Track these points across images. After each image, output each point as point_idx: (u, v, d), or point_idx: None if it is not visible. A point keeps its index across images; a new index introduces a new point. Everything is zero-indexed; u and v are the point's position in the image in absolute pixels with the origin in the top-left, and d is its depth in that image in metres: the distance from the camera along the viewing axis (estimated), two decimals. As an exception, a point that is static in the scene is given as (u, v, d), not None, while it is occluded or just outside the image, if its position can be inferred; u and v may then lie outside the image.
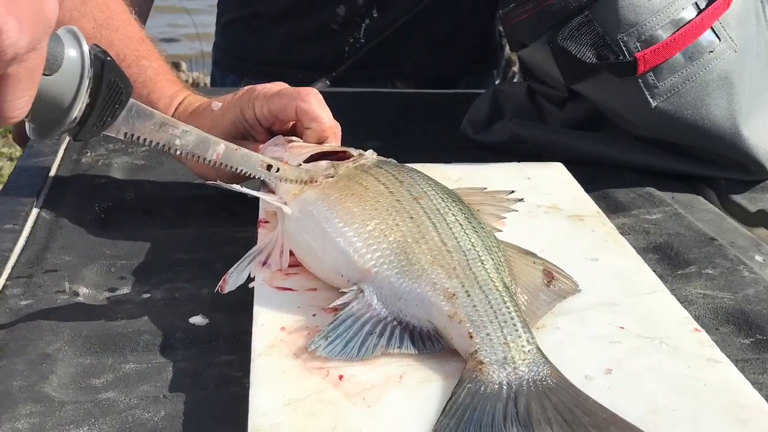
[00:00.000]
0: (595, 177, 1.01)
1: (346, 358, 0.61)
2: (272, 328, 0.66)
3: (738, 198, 1.04)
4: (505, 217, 0.81)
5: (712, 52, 1.02)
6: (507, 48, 1.59)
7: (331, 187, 0.76)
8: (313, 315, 0.68)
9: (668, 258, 0.87)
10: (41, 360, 0.68)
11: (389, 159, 0.85)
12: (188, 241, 0.89)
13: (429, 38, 1.45)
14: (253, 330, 0.66)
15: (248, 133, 0.92)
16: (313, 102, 0.88)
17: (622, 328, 0.67)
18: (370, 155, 0.85)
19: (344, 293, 0.66)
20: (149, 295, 0.79)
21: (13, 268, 0.82)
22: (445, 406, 0.56)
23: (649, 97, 1.01)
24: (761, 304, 0.78)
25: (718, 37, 1.02)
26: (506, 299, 0.63)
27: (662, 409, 0.57)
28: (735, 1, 1.04)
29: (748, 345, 0.73)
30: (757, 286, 0.81)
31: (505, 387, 0.57)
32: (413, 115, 1.28)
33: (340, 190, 0.74)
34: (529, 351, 0.59)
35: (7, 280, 0.79)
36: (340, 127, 0.90)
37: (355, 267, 0.68)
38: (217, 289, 0.72)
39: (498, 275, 0.66)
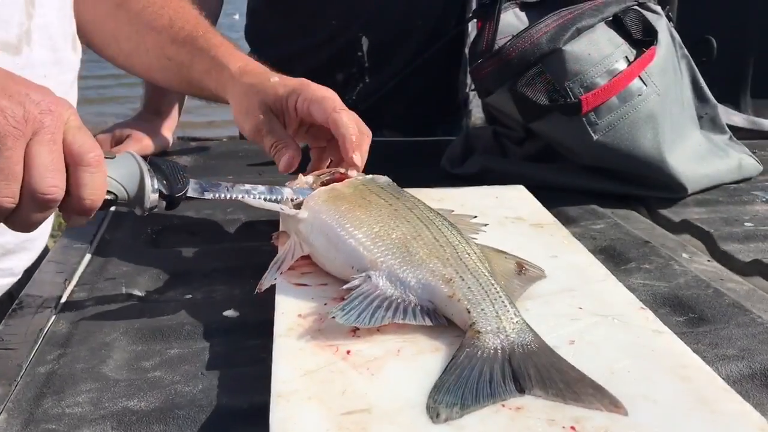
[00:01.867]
0: (549, 198, 0.97)
1: (360, 325, 0.57)
2: (291, 315, 0.61)
3: (664, 211, 1.00)
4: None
5: (640, 95, 0.98)
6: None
7: (340, 200, 0.72)
8: (324, 304, 0.63)
9: (612, 257, 0.83)
10: (100, 347, 0.63)
11: (384, 177, 0.81)
12: (223, 254, 0.84)
13: (406, 97, 1.42)
14: (275, 317, 0.62)
15: (282, 114, 0.86)
16: (344, 116, 0.81)
17: (580, 308, 0.63)
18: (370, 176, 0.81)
19: (355, 278, 0.62)
20: (191, 296, 0.74)
21: (80, 278, 0.77)
22: (446, 366, 0.52)
23: (591, 132, 0.98)
24: (691, 290, 0.74)
25: (645, 84, 0.99)
26: (493, 282, 0.60)
27: (619, 371, 0.53)
28: (657, 56, 1.01)
29: (683, 322, 0.68)
30: (687, 277, 0.76)
31: (499, 351, 0.53)
32: (400, 157, 1.24)
33: (349, 203, 0.71)
34: (516, 322, 0.56)
35: (75, 286, 0.75)
36: (366, 140, 0.83)
37: (364, 259, 0.64)
38: (256, 291, 0.67)
39: (483, 264, 0.62)
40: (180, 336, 0.66)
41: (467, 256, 0.63)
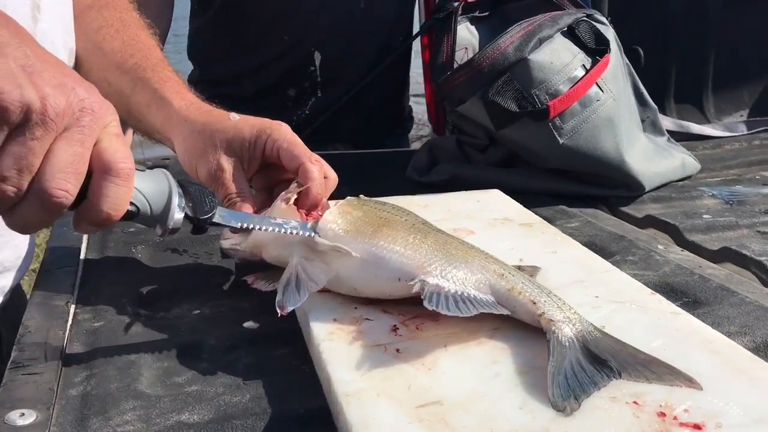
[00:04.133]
0: (519, 200, 1.01)
1: (464, 315, 0.57)
2: (326, 320, 0.62)
3: (626, 209, 1.06)
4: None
5: (598, 100, 1.04)
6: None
7: (360, 223, 0.69)
8: (355, 308, 0.64)
9: (596, 252, 0.86)
10: (128, 366, 0.61)
11: (361, 197, 0.78)
12: (219, 270, 0.83)
13: (359, 111, 1.43)
14: (310, 324, 0.62)
15: (244, 157, 0.77)
16: (316, 168, 0.75)
17: (596, 297, 0.66)
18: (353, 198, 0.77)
19: (411, 285, 0.61)
20: (199, 311, 0.73)
21: (77, 298, 0.74)
22: (550, 351, 0.54)
23: (557, 136, 1.02)
24: (677, 277, 0.78)
25: (602, 90, 1.05)
26: (530, 278, 0.62)
27: (656, 350, 0.56)
28: (609, 63, 1.07)
29: (680, 305, 0.71)
30: (670, 265, 0.81)
31: (574, 339, 0.55)
32: (361, 169, 1.25)
33: (371, 225, 0.68)
34: (574, 311, 0.58)
35: (75, 308, 0.72)
36: (333, 185, 0.78)
37: (410, 268, 0.62)
38: (280, 314, 0.61)
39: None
40: (205, 349, 0.65)
41: (491, 257, 0.65)
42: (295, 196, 0.74)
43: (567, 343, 0.54)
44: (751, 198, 1.09)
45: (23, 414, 0.53)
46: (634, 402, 0.50)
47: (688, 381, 0.51)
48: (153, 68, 0.85)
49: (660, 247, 0.89)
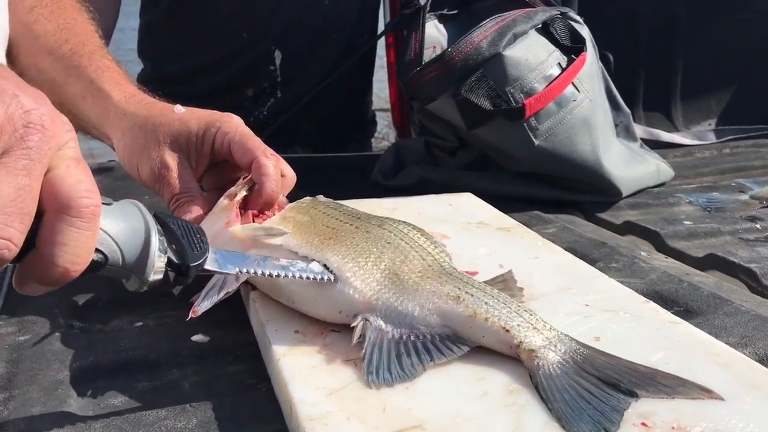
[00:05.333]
0: (490, 205, 0.95)
1: (403, 381, 0.47)
2: (287, 332, 0.54)
3: (603, 215, 1.01)
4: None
5: (575, 101, 0.99)
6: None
7: (306, 232, 0.61)
8: (295, 332, 0.55)
9: (578, 258, 0.81)
10: (55, 386, 0.53)
11: (319, 197, 0.71)
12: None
13: (319, 113, 1.36)
14: (268, 337, 0.54)
15: (191, 153, 0.70)
16: (272, 163, 0.67)
17: (587, 305, 0.60)
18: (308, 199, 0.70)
19: (354, 327, 0.53)
20: (142, 323, 0.65)
21: (1, 308, 0.65)
22: (544, 399, 0.46)
23: (532, 137, 0.97)
24: (665, 284, 0.73)
25: (578, 90, 1.00)
26: (498, 292, 0.54)
27: (657, 363, 0.50)
28: (586, 63, 1.02)
29: (673, 314, 0.67)
30: (657, 273, 0.76)
31: (564, 364, 0.48)
32: (322, 173, 1.18)
33: (316, 235, 0.60)
34: (551, 329, 0.51)
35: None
36: (291, 184, 0.71)
37: (355, 303, 0.54)
38: (190, 317, 0.55)
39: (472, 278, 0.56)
40: (145, 368, 0.57)
41: (456, 271, 0.57)
42: (244, 193, 0.66)
43: (558, 371, 0.47)
44: (729, 205, 1.05)
45: None
46: (642, 423, 0.43)
47: (706, 392, 0.45)
48: (90, 55, 0.77)
49: (643, 253, 0.84)
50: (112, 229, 0.45)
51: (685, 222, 0.96)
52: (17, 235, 0.38)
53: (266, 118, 1.31)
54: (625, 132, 1.20)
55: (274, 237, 0.61)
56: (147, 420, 0.49)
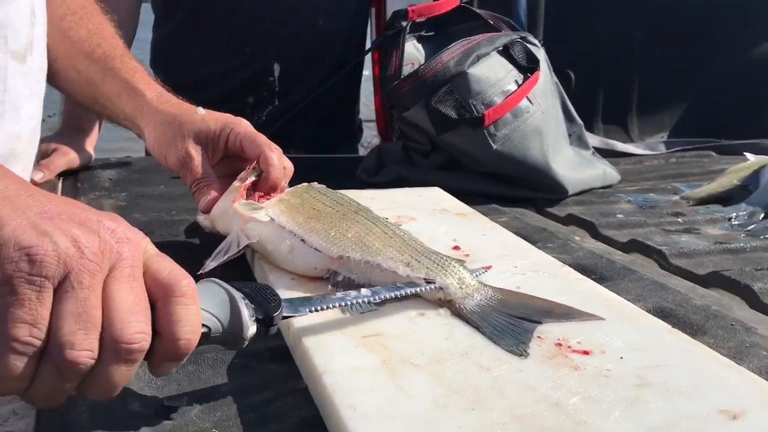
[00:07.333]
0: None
1: (358, 313, 0.63)
2: (284, 279, 0.72)
3: (551, 209, 1.19)
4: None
5: (528, 112, 1.17)
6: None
7: (294, 212, 0.78)
8: (291, 279, 0.73)
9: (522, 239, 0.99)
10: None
11: (314, 183, 0.88)
12: (180, 246, 0.92)
13: (312, 120, 1.54)
14: (270, 282, 0.71)
15: (209, 147, 0.86)
16: (276, 155, 0.84)
17: (515, 267, 0.78)
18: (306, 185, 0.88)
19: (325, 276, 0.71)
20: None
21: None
22: (472, 321, 0.63)
23: (491, 142, 1.15)
24: (588, 260, 0.91)
25: (531, 103, 1.18)
26: (442, 255, 0.71)
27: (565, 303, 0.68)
28: (539, 80, 1.20)
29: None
30: (583, 251, 0.94)
31: (483, 306, 0.65)
32: (315, 171, 1.34)
33: (303, 215, 0.77)
34: (473, 282, 0.68)
35: None
36: (289, 174, 0.87)
37: (326, 259, 0.71)
38: (199, 272, 0.70)
39: (429, 248, 0.73)
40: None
41: (414, 242, 0.74)
42: (252, 178, 0.84)
43: (479, 310, 0.64)
44: (661, 204, 1.23)
45: None
46: (538, 336, 0.61)
47: (589, 315, 0.63)
48: (121, 58, 0.94)
49: (577, 238, 1.02)
50: (207, 305, 0.52)
51: (618, 215, 1.14)
52: (146, 327, 0.47)
53: (265, 123, 1.49)
54: (578, 141, 1.38)
55: (257, 212, 0.79)
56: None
